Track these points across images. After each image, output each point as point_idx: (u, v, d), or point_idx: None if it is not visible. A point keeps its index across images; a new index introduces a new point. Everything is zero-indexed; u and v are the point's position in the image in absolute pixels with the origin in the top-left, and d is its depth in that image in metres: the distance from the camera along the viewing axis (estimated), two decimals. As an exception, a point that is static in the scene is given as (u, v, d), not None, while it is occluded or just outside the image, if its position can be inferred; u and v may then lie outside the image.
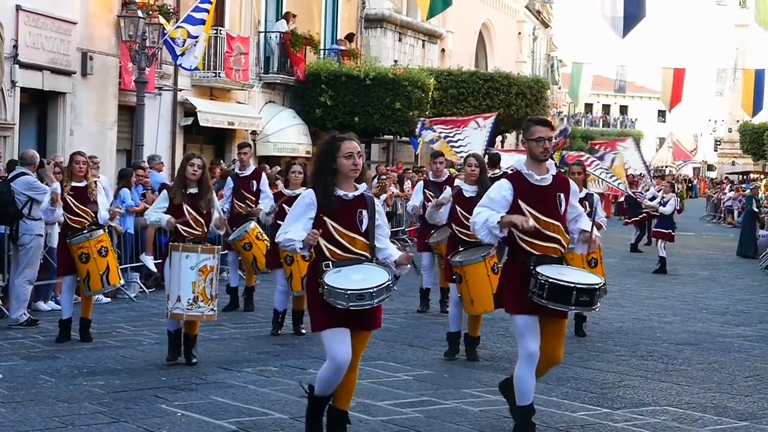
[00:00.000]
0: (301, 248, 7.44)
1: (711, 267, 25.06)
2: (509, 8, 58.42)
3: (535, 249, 7.93)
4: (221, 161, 25.00)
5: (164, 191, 11.49)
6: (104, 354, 11.76)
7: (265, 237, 15.09)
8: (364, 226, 7.56)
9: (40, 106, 21.67)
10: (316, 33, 33.30)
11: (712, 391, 10.37)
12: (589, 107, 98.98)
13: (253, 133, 29.67)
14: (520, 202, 7.94)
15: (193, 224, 11.09)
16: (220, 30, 27.70)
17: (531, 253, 7.93)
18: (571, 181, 8.38)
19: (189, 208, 11.08)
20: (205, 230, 11.25)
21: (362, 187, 7.62)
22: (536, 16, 66.47)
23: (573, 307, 7.96)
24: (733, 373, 11.44)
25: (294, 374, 10.68)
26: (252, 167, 16.07)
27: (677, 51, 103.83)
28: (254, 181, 15.44)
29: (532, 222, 7.79)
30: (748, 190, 37.28)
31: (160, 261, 13.43)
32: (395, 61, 37.44)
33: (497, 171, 20.44)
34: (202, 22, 21.65)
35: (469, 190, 11.73)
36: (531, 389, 8.09)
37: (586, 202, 13.43)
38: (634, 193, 31.75)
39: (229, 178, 16.08)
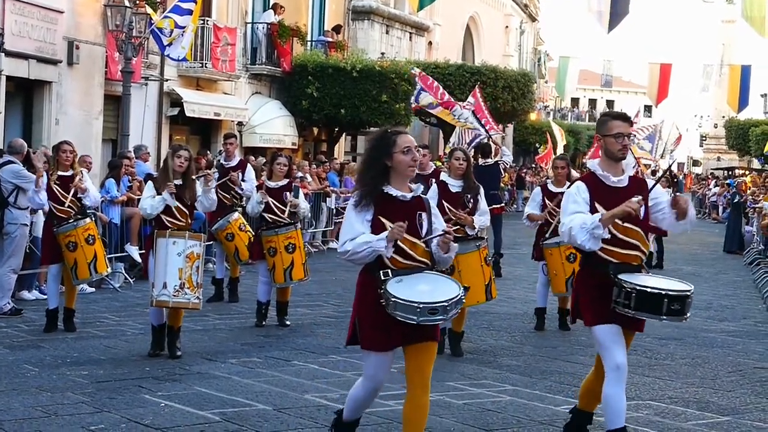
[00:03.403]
0: (386, 246, 6.61)
1: (695, 262, 25.11)
2: (496, 1, 58.41)
3: (615, 257, 7.25)
4: (207, 152, 24.99)
5: (150, 182, 11.43)
6: (88, 344, 11.74)
7: (248, 228, 15.13)
8: (424, 231, 6.83)
9: (25, 95, 21.62)
10: (303, 24, 33.28)
11: (694, 386, 10.40)
12: (575, 102, 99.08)
13: (239, 124, 29.67)
14: (597, 206, 7.21)
15: (177, 215, 11.02)
16: (207, 20, 27.67)
17: (609, 262, 7.24)
18: (647, 180, 7.63)
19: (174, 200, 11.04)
20: (189, 221, 11.19)
21: (418, 188, 6.92)
22: (523, 9, 66.46)
23: (664, 317, 7.24)
24: (715, 368, 11.48)
25: (278, 366, 10.69)
26: (237, 158, 16.10)
27: (664, 46, 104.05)
28: (239, 172, 15.45)
29: (636, 199, 7.04)
30: (733, 187, 37.40)
31: (144, 251, 13.40)
32: (382, 54, 37.44)
33: (489, 160, 20.55)
34: (190, 12, 21.61)
35: (455, 185, 11.62)
36: (624, 408, 7.25)
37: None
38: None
39: (214, 168, 16.05)
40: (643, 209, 7.24)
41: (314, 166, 26.26)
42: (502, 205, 22.19)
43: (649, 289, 7.05)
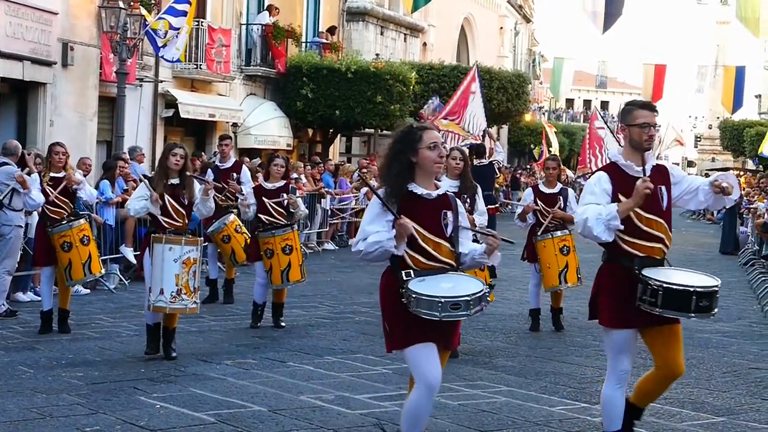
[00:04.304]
0: (395, 246, 6.38)
1: (690, 263, 25.07)
2: (491, 3, 58.48)
3: (639, 250, 7.01)
4: (202, 153, 25.00)
5: (143, 183, 11.39)
6: (83, 345, 11.73)
7: (244, 230, 15.14)
8: (449, 230, 6.57)
9: (20, 97, 21.58)
10: (297, 26, 33.27)
11: (689, 386, 10.40)
12: (570, 102, 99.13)
13: (234, 125, 29.66)
14: (619, 196, 6.97)
15: (174, 215, 10.98)
16: (202, 22, 27.65)
17: (634, 255, 7.01)
18: (669, 167, 7.44)
19: (170, 199, 10.98)
20: (186, 222, 11.15)
21: (445, 185, 6.67)
22: (518, 10, 66.54)
23: (693, 315, 7.00)
24: (710, 369, 11.48)
25: (273, 367, 10.69)
26: (232, 159, 16.10)
27: (658, 47, 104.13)
28: (234, 173, 15.45)
29: (649, 183, 6.80)
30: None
31: (138, 253, 13.38)
32: (377, 55, 37.44)
33: (483, 161, 20.58)
34: (184, 13, 21.59)
35: (452, 185, 11.64)
36: (621, 413, 7.19)
37: (560, 197, 13.54)
38: None
39: (209, 170, 16.06)
40: (665, 200, 7.13)
41: (309, 167, 26.25)
42: (497, 205, 22.17)
43: (676, 286, 6.85)
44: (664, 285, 6.81)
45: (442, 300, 6.23)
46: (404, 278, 6.39)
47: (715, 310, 7.06)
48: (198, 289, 11.08)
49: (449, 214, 6.59)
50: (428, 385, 6.34)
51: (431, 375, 6.34)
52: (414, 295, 6.26)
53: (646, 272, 6.91)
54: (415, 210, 6.47)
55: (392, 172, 6.54)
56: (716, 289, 7.00)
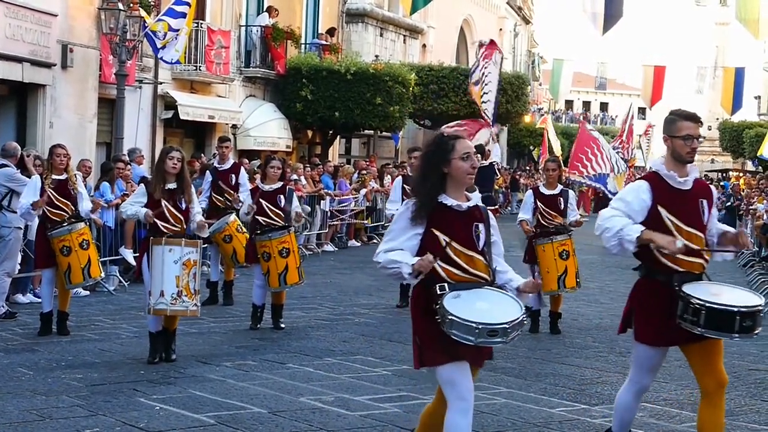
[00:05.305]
0: (409, 274, 6.10)
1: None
2: (490, 4, 58.45)
3: (678, 264, 6.80)
4: (201, 155, 24.99)
5: (142, 185, 11.37)
6: (83, 347, 11.73)
7: (245, 229, 15.11)
8: (481, 243, 6.33)
9: (19, 98, 21.57)
10: (297, 27, 33.26)
11: (689, 387, 10.38)
12: (569, 104, 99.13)
13: (234, 126, 29.65)
14: (659, 208, 6.82)
15: (171, 220, 10.92)
16: (201, 23, 27.64)
17: (673, 270, 6.81)
18: (711, 187, 7.26)
19: (167, 204, 10.91)
20: (184, 227, 11.10)
21: (476, 197, 6.41)
22: (517, 12, 66.52)
23: (736, 335, 6.73)
24: (710, 370, 11.46)
25: (272, 368, 10.69)
26: (231, 161, 16.09)
27: (658, 49, 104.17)
28: (233, 175, 15.46)
29: (681, 243, 6.65)
30: (728, 189, 37.41)
31: (138, 255, 13.38)
32: (376, 56, 37.43)
33: (483, 162, 20.56)
34: (183, 15, 21.59)
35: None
36: (632, 419, 7.28)
37: (561, 198, 13.54)
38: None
39: (207, 171, 16.06)
40: (706, 214, 6.97)
41: (308, 168, 26.25)
42: (497, 207, 22.20)
43: (719, 306, 6.59)
44: (707, 304, 6.58)
45: (480, 326, 5.95)
46: (437, 292, 6.12)
47: (759, 329, 6.78)
48: (198, 291, 11.05)
49: (481, 226, 6.36)
50: (467, 403, 6.15)
51: (468, 392, 6.17)
52: (449, 317, 5.96)
53: (687, 289, 6.71)
54: (446, 222, 6.26)
55: (426, 185, 6.30)
56: (760, 308, 6.76)
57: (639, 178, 7.23)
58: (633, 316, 7.04)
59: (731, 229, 7.19)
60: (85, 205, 12.76)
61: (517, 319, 6.07)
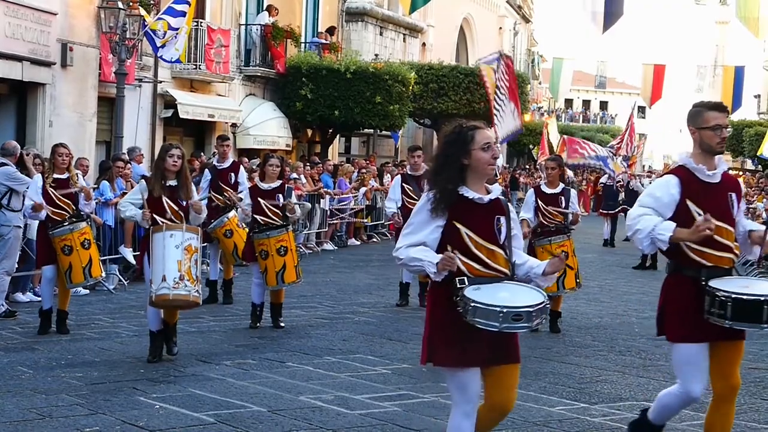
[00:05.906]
0: (435, 273, 5.97)
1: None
2: (490, 3, 58.46)
3: (707, 259, 6.69)
4: (201, 153, 24.99)
5: (141, 183, 11.28)
6: (82, 346, 11.73)
7: (245, 225, 15.08)
8: (502, 237, 6.17)
9: (19, 97, 21.59)
10: (297, 26, 33.28)
11: (689, 386, 10.38)
12: (569, 103, 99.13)
13: (233, 125, 29.66)
14: (688, 202, 6.70)
15: (172, 217, 10.87)
16: (201, 22, 27.66)
17: (702, 265, 6.69)
18: (739, 180, 7.02)
19: (168, 201, 10.85)
20: (184, 223, 11.07)
21: (496, 189, 6.26)
22: (517, 11, 66.54)
23: (766, 325, 6.57)
24: (710, 369, 11.46)
25: (272, 367, 10.68)
26: (231, 159, 16.07)
27: (658, 47, 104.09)
28: (232, 174, 15.45)
29: (711, 224, 6.45)
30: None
31: (138, 253, 13.38)
32: (376, 55, 37.45)
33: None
34: (183, 14, 21.61)
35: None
36: (669, 417, 7.28)
37: (562, 197, 13.51)
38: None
39: (207, 170, 16.06)
40: (735, 207, 6.86)
41: (308, 167, 26.25)
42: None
43: (746, 296, 6.46)
44: (733, 296, 6.46)
45: (504, 310, 5.80)
46: (458, 285, 5.97)
47: None
48: (199, 279, 10.88)
49: (502, 219, 6.19)
50: (470, 408, 6.06)
51: (475, 397, 6.08)
52: (472, 304, 5.82)
53: (713, 283, 6.60)
54: (467, 215, 6.09)
55: (444, 176, 6.13)
56: None
57: (667, 173, 7.10)
58: (664, 315, 6.95)
59: (759, 227, 7.06)
60: (93, 204, 12.84)
61: (541, 303, 5.95)
